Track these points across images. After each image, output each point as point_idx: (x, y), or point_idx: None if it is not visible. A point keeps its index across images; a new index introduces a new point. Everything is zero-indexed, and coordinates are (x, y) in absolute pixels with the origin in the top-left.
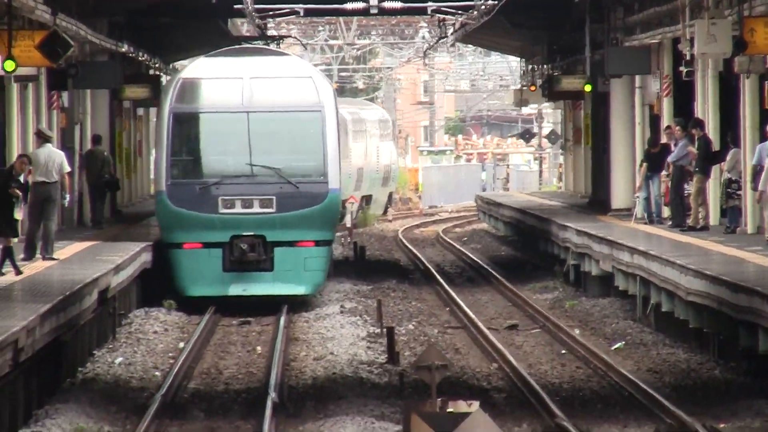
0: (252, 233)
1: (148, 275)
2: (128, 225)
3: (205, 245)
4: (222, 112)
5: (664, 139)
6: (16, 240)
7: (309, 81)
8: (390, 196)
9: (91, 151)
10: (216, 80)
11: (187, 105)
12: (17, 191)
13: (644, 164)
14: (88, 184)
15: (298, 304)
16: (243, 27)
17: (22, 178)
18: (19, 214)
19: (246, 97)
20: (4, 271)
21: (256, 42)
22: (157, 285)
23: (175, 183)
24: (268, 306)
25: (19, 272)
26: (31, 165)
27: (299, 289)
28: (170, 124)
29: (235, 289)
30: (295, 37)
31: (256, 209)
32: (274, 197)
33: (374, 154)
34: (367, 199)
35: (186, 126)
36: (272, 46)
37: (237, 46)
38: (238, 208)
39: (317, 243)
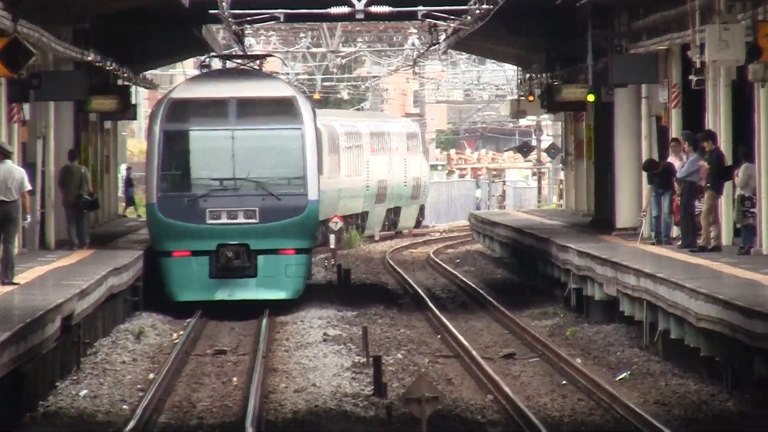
0: (237, 242)
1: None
2: (95, 247)
3: (193, 253)
4: (209, 130)
5: (670, 155)
6: None
7: (290, 101)
8: (421, 209)
9: (67, 168)
10: (203, 100)
11: (177, 123)
12: None
13: (649, 186)
14: (64, 203)
15: (280, 310)
16: (219, 34)
17: None
18: None
19: (231, 116)
20: None
21: (237, 60)
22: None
23: (165, 196)
24: (246, 333)
25: None
26: None
27: (281, 294)
28: (161, 142)
29: (222, 294)
30: (272, 54)
31: (241, 220)
32: (257, 209)
33: (401, 167)
34: (395, 212)
35: (175, 143)
36: (255, 64)
37: (223, 68)
38: (224, 219)
39: (297, 251)
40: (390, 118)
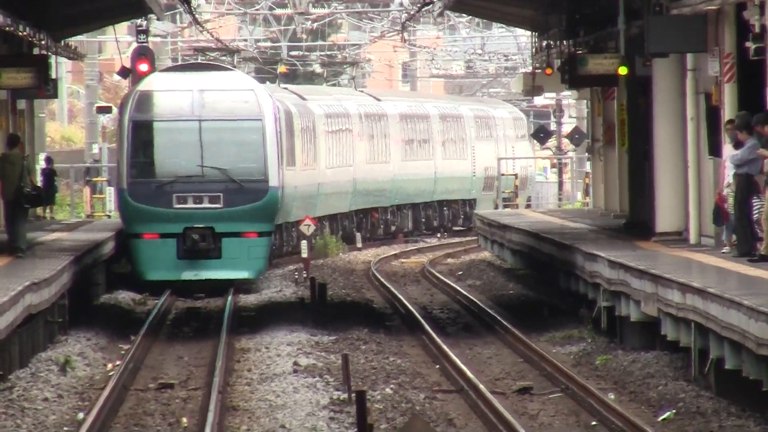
0: (202, 225)
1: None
2: (9, 254)
3: (161, 236)
4: (175, 120)
5: (724, 141)
6: None
7: (251, 93)
8: (528, 200)
9: (6, 156)
10: (169, 92)
11: (145, 114)
12: None
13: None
14: (3, 198)
15: (241, 332)
16: None
17: None
18: None
19: (196, 107)
20: None
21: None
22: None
23: (134, 182)
24: (198, 363)
25: None
26: None
27: (244, 274)
28: (130, 131)
29: (188, 274)
30: (244, 49)
31: (206, 204)
32: (221, 194)
33: (508, 155)
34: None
35: (144, 133)
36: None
37: (188, 63)
38: (190, 204)
39: (259, 234)
40: (495, 103)
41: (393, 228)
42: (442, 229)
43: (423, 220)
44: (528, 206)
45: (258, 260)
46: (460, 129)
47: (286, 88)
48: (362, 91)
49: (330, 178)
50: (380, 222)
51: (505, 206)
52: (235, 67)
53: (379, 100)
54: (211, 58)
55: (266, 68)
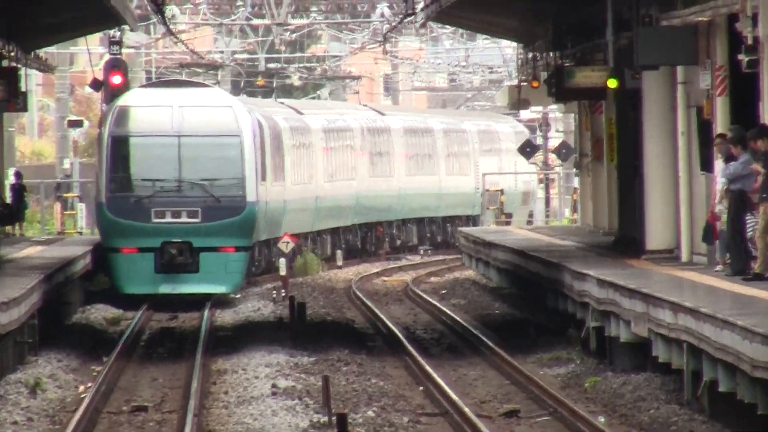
0: (180, 240)
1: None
2: None
3: (140, 250)
4: (155, 136)
5: (715, 156)
6: None
7: (229, 110)
8: (530, 216)
9: None
10: (149, 108)
11: (124, 129)
12: None
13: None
14: None
15: (217, 352)
16: (132, 1)
17: None
18: None
19: (176, 123)
20: None
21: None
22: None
23: (113, 196)
24: (173, 385)
25: None
26: None
27: (221, 289)
28: (109, 146)
29: (166, 288)
30: (228, 64)
31: (184, 219)
32: (199, 209)
33: (510, 170)
34: (506, 218)
35: (123, 147)
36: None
37: (168, 79)
38: (169, 218)
39: (237, 249)
40: (499, 118)
41: (398, 242)
42: (433, 246)
43: (428, 235)
44: (529, 222)
45: (235, 275)
46: (464, 144)
47: (282, 103)
48: (366, 105)
49: (329, 192)
50: (385, 236)
51: (496, 223)
52: (218, 82)
53: (383, 114)
54: (196, 73)
55: (253, 81)
